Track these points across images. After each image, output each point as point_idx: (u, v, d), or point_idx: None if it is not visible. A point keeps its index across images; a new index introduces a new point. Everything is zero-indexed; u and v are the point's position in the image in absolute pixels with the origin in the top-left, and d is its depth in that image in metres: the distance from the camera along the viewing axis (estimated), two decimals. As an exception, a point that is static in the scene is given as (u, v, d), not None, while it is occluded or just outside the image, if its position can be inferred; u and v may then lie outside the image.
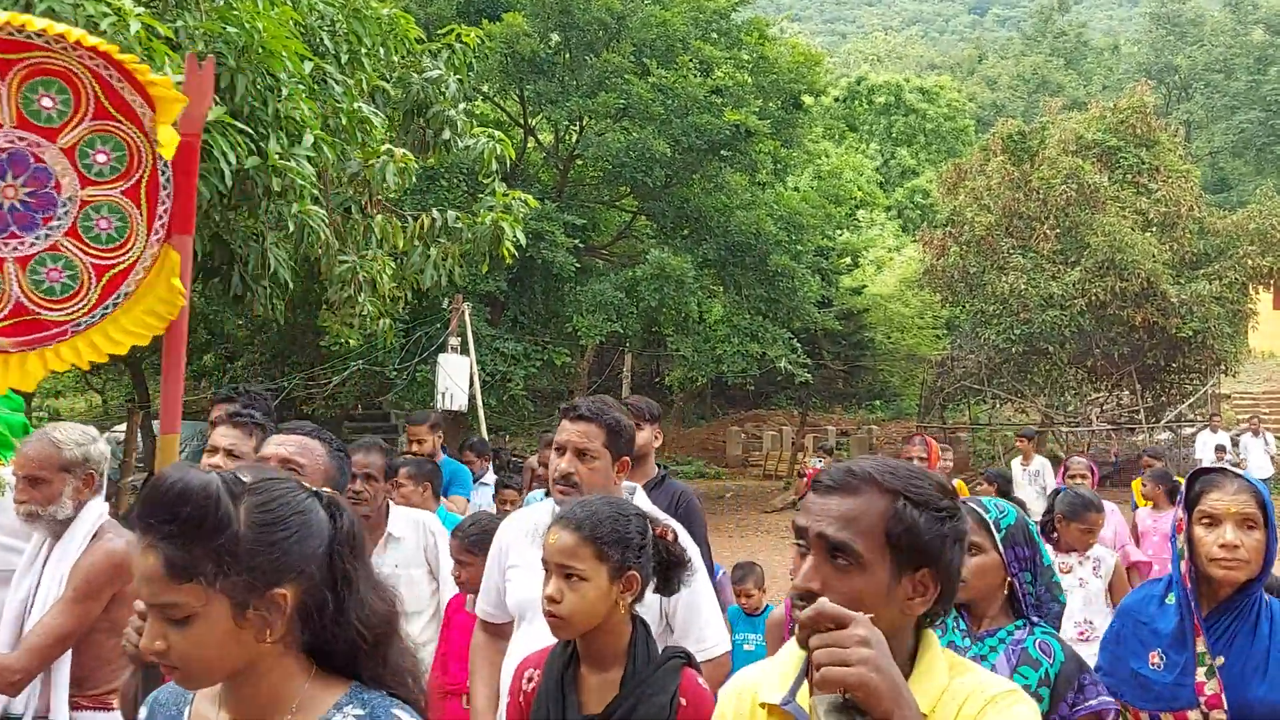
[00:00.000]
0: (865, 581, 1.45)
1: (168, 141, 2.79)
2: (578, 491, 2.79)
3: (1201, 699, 2.51)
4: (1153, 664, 2.61)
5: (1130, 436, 21.60)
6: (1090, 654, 2.95)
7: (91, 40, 2.73)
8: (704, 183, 18.86)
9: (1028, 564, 2.51)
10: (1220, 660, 2.51)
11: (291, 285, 7.07)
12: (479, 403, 13.53)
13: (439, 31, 9.28)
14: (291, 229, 6.37)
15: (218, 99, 5.53)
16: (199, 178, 5.28)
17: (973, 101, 44.07)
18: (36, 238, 2.87)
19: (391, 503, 4.06)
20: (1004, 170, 21.33)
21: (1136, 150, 21.79)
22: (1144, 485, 7.33)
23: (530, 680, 2.39)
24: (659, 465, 4.30)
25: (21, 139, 2.79)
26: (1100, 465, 19.64)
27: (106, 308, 2.97)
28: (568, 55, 18.39)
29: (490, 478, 6.99)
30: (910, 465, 1.54)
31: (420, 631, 3.93)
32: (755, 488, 22.17)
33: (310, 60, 6.57)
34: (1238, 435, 18.00)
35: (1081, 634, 4.74)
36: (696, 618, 2.80)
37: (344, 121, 6.95)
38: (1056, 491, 5.33)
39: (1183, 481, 2.70)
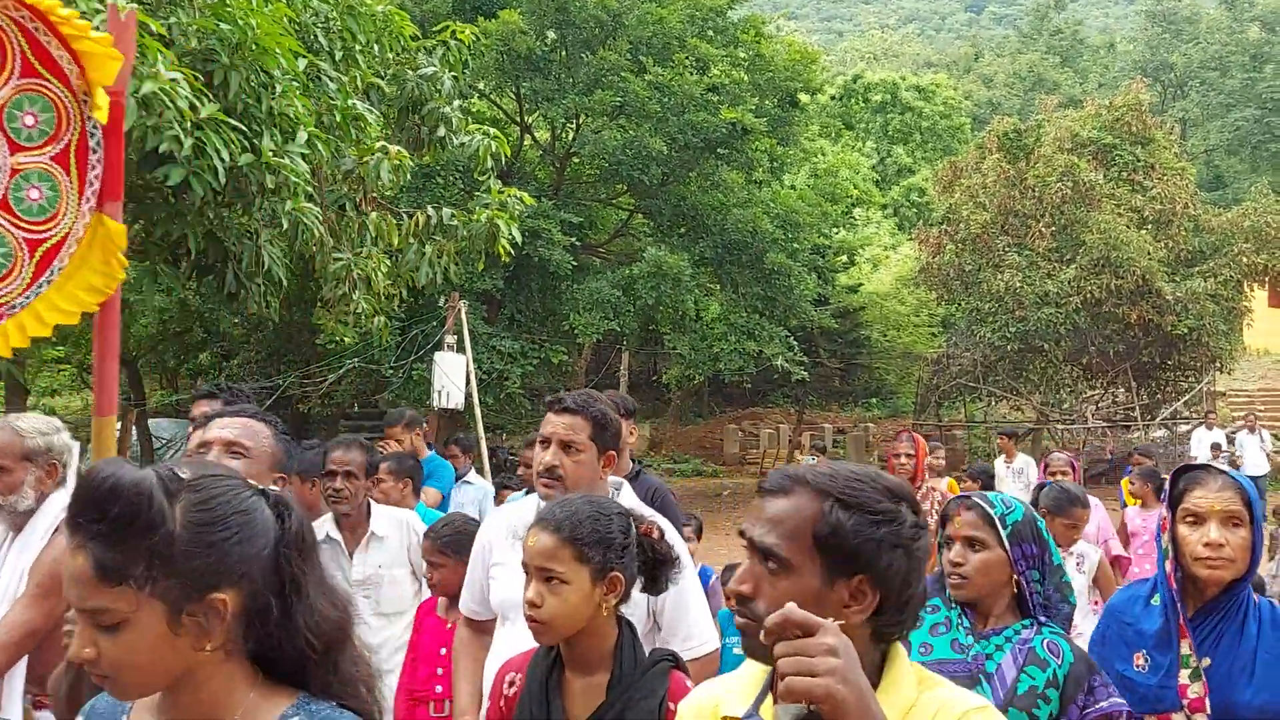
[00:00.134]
0: (793, 585, 1.39)
1: (103, 104, 2.60)
2: (562, 485, 2.73)
3: (1185, 702, 2.46)
4: (1137, 665, 2.55)
5: (1125, 434, 21.61)
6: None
7: None
8: (700, 181, 18.85)
9: (1035, 562, 2.44)
10: (1206, 662, 2.46)
11: (286, 283, 7.02)
12: (476, 401, 13.50)
13: (434, 28, 9.25)
14: (286, 226, 6.33)
15: (211, 96, 5.52)
16: (193, 175, 5.32)
17: (969, 99, 44.05)
18: None
19: (372, 501, 4.02)
20: (999, 168, 21.35)
21: (1132, 148, 21.83)
22: (1132, 483, 7.24)
23: (512, 684, 2.31)
24: (634, 461, 4.25)
25: None
26: (1095, 462, 19.78)
27: (40, 286, 2.75)
28: (564, 53, 18.36)
29: (473, 475, 6.86)
30: (858, 469, 1.47)
31: (403, 633, 3.84)
32: (752, 486, 21.97)
33: (304, 57, 6.55)
34: (1233, 432, 18.01)
35: None
36: (685, 616, 2.76)
37: (338, 119, 6.92)
38: (1040, 486, 5.23)
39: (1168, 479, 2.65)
